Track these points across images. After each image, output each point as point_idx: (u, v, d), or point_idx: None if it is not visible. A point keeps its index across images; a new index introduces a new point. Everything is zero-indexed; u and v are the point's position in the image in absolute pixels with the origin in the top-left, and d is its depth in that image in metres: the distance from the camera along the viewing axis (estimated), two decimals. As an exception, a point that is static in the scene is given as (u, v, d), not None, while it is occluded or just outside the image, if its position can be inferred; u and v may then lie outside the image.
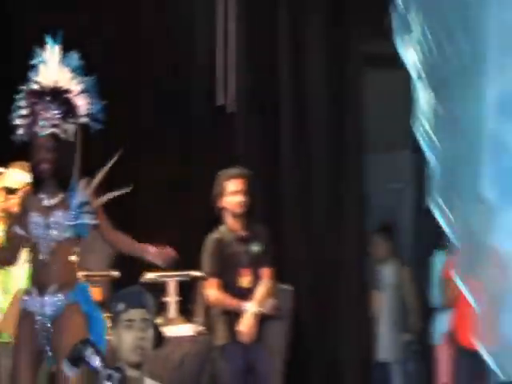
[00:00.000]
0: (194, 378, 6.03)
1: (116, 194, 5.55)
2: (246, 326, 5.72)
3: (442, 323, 7.14)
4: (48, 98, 5.14)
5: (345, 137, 7.25)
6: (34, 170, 5.18)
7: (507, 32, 7.88)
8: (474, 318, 5.68)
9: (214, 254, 5.82)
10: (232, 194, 5.80)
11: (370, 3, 7.30)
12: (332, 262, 6.95)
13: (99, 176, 5.51)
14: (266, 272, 5.86)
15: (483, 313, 5.17)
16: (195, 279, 6.14)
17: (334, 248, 6.94)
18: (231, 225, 5.85)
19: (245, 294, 5.85)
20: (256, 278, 5.86)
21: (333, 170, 7.03)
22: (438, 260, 7.17)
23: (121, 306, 3.68)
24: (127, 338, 3.75)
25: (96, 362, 3.35)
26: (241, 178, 5.90)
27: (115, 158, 5.45)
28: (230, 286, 5.81)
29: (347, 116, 7.27)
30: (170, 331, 5.39)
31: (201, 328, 6.07)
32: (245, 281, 5.90)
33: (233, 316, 5.78)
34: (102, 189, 5.51)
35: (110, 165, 5.48)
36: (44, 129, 5.13)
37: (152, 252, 5.39)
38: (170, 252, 5.52)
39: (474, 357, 6.37)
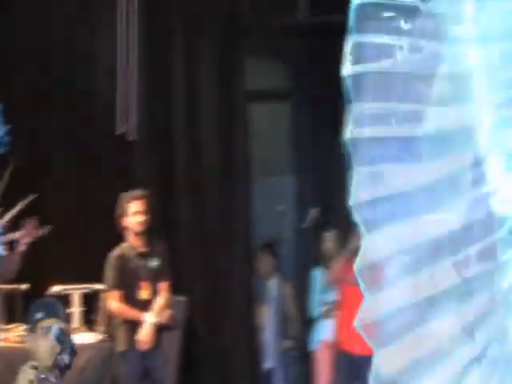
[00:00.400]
0: (96, 382, 6.36)
1: (19, 207, 6.00)
2: (144, 334, 6.16)
3: (320, 331, 7.65)
4: None
5: (233, 163, 7.69)
6: None
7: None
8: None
9: (115, 269, 6.22)
10: (133, 214, 6.23)
11: (258, 45, 7.91)
12: (223, 277, 7.35)
13: (13, 211, 5.94)
14: (163, 285, 6.29)
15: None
16: (98, 292, 6.56)
17: (225, 264, 7.35)
18: (132, 242, 6.27)
19: (144, 305, 6.26)
20: (154, 291, 6.28)
21: (223, 193, 7.48)
22: (316, 274, 7.69)
23: (39, 315, 4.04)
24: (44, 344, 4.11)
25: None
26: (141, 199, 6.33)
27: (29, 199, 5.90)
28: (130, 298, 6.21)
29: (235, 144, 7.72)
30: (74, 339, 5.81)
31: (103, 336, 6.46)
32: (144, 293, 6.31)
33: (133, 325, 6.18)
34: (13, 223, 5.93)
35: (24, 203, 5.93)
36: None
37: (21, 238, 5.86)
38: (31, 227, 5.94)
39: (353, 360, 7.00)
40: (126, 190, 6.45)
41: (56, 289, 6.43)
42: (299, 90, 8.85)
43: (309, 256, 8.22)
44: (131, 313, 6.21)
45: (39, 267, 6.65)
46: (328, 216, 8.23)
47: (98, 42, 7.67)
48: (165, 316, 6.30)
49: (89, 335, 6.42)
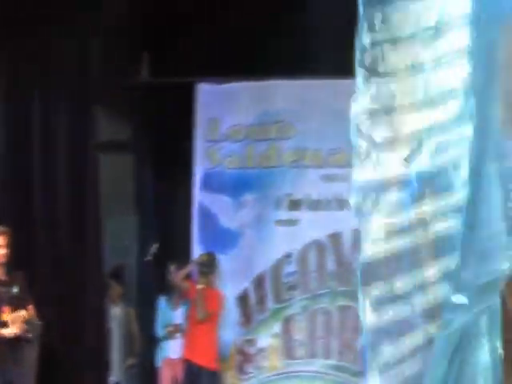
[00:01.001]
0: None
1: None
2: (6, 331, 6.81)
3: (164, 350, 8.59)
4: None
5: (86, 204, 8.35)
6: None
7: (211, 123, 9.45)
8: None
9: (-21, 295, 6.86)
10: None
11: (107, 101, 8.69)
12: (76, 303, 7.94)
13: None
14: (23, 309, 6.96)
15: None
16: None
17: (78, 292, 7.90)
18: (-5, 271, 7.00)
19: (5, 327, 6.92)
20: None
21: (77, 230, 8.12)
22: (162, 300, 8.65)
23: None
24: None
25: None
26: (1, 234, 7.10)
27: None
28: (-7, 321, 6.85)
29: (88, 188, 8.38)
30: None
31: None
32: (5, 316, 6.99)
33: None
34: None
35: None
36: None
37: None
38: None
39: (196, 371, 8.19)
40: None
41: None
42: (143, 142, 9.66)
43: (151, 284, 9.10)
44: None
45: None
46: (169, 250, 9.08)
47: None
48: (23, 329, 6.97)
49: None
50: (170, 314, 8.76)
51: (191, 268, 8.49)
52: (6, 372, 6.98)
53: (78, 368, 7.92)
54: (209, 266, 8.44)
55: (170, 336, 8.63)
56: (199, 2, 8.64)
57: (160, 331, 8.75)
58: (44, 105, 8.36)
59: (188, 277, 8.46)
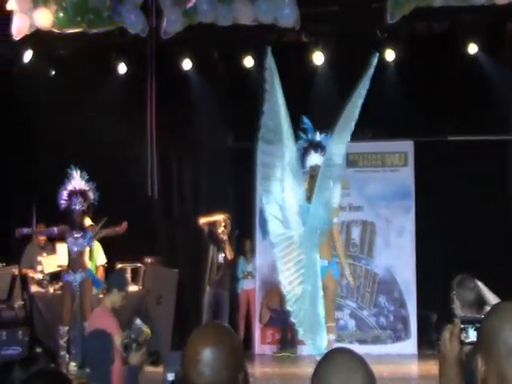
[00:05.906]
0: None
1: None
2: None
3: (241, 285, 13.31)
4: None
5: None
6: None
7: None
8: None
9: None
10: None
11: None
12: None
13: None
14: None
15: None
16: None
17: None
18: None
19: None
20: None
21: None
22: (241, 259, 13.43)
23: None
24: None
25: None
26: (227, 218, 12.49)
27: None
28: None
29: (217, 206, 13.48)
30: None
31: None
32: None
33: None
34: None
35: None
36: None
37: None
38: None
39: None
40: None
41: None
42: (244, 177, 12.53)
43: (238, 250, 13.43)
44: None
45: None
46: (245, 233, 13.38)
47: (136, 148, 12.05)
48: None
49: None
50: (245, 265, 13.22)
51: None
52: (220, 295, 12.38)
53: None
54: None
55: (245, 277, 13.20)
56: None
57: (240, 274, 13.27)
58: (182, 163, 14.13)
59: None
